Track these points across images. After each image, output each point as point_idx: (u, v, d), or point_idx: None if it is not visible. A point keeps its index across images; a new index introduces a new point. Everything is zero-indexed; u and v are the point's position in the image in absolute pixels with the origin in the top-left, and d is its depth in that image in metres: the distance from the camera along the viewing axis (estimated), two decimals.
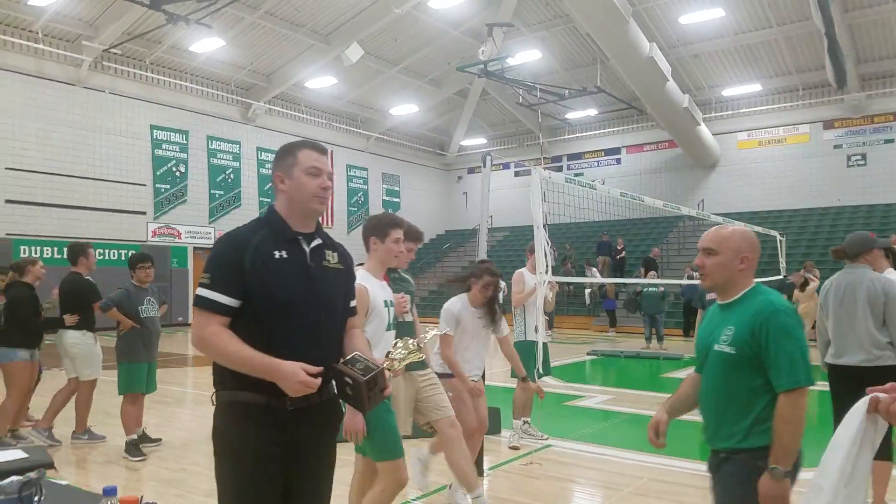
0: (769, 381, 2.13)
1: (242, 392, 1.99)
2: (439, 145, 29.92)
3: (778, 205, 22.11)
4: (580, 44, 21.59)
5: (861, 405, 1.62)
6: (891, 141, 20.91)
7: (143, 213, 19.16)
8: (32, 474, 1.67)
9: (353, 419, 2.85)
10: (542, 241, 5.59)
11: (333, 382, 2.11)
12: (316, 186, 2.10)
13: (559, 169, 26.84)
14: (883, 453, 3.83)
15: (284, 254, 2.06)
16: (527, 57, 20.85)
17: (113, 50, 17.56)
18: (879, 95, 20.94)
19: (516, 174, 26.92)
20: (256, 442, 1.98)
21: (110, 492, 1.68)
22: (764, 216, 20.66)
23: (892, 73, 20.59)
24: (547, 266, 5.55)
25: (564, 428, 6.30)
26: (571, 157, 27.00)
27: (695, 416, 6.26)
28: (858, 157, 21.45)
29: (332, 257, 2.18)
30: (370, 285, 3.28)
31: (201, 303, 2.01)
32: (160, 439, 5.96)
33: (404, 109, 25.19)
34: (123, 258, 18.48)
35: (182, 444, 5.97)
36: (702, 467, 5.39)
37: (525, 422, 5.87)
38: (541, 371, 5.64)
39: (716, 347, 2.23)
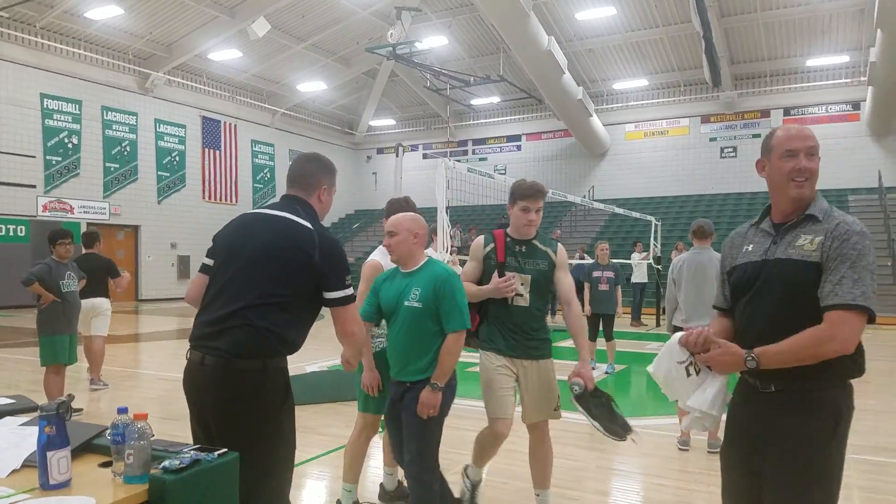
0: (442, 327, 2.95)
1: (285, 359, 2.41)
2: (348, 124, 29.98)
3: (660, 192, 24.08)
4: (485, 33, 22.41)
5: (674, 341, 2.17)
6: (758, 136, 23.19)
7: (33, 187, 18.20)
8: (65, 398, 2.14)
9: (370, 375, 3.43)
10: (443, 223, 6.29)
11: None
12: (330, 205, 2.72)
13: (465, 153, 27.78)
14: None
15: None
16: (434, 42, 21.44)
17: (0, 13, 16.48)
18: (749, 94, 23.20)
19: (424, 156, 27.57)
20: (291, 399, 2.47)
21: (123, 410, 2.06)
22: (646, 202, 22.53)
23: (760, 74, 22.85)
24: (449, 246, 6.27)
25: (466, 389, 7.04)
26: (476, 141, 27.96)
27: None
28: (730, 150, 23.73)
29: None
30: None
31: (355, 299, 2.47)
32: (81, 409, 6.19)
33: (312, 86, 25.09)
34: (12, 234, 17.57)
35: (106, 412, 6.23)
36: (579, 417, 6.35)
37: None
38: None
39: (406, 304, 2.97)
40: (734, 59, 22.33)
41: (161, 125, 21.88)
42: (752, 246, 2.14)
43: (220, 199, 23.99)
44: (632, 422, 6.06)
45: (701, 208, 22.61)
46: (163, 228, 21.49)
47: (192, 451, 2.07)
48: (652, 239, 14.57)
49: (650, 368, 2.24)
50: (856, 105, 21.50)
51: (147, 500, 1.92)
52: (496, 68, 22.26)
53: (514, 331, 3.33)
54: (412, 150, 28.12)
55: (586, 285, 8.39)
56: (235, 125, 24.49)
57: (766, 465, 2.01)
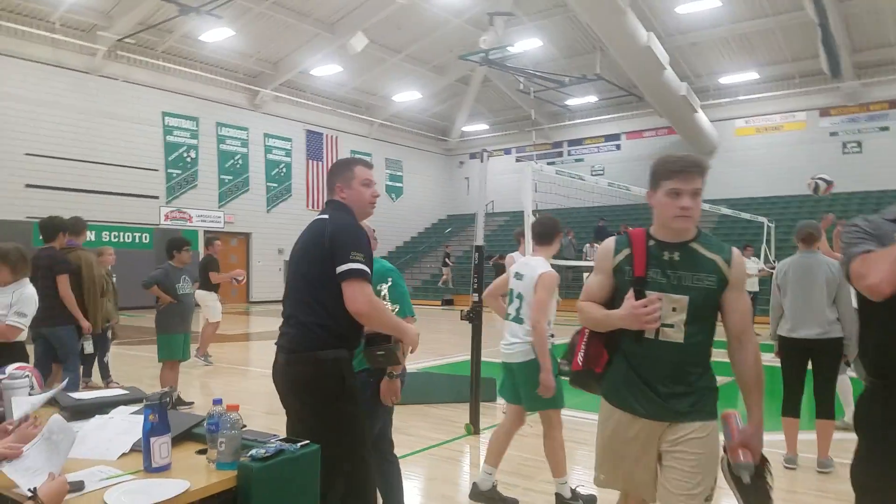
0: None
1: (342, 350, 2.54)
2: (441, 131, 30.40)
3: (775, 191, 22.62)
4: (579, 32, 22.02)
5: None
6: (886, 129, 21.39)
7: (156, 198, 19.77)
8: (167, 388, 2.32)
9: (548, 376, 3.59)
10: (530, 227, 6.20)
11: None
12: (370, 195, 2.74)
13: (559, 154, 27.40)
14: (825, 413, 4.50)
15: None
16: (527, 45, 21.31)
17: (126, 39, 18.08)
18: (875, 84, 21.36)
19: (518, 160, 27.47)
20: (355, 385, 2.59)
21: (218, 401, 2.20)
22: (760, 202, 21.23)
23: (886, 61, 20.98)
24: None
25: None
26: (572, 142, 27.50)
27: None
28: (854, 145, 21.95)
29: None
30: None
31: (366, 276, 2.47)
32: (192, 402, 6.63)
33: (407, 96, 25.67)
34: (138, 241, 19.14)
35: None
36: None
37: None
38: None
39: None
40: (856, 47, 20.65)
41: (269, 139, 23.15)
42: None
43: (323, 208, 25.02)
44: None
45: (820, 209, 20.98)
46: (271, 235, 22.68)
47: (277, 442, 2.18)
48: (764, 242, 13.69)
49: None
50: None
51: (236, 485, 2.04)
52: (592, 67, 21.81)
53: (658, 380, 2.26)
54: (505, 154, 28.08)
55: None
56: (337, 137, 25.46)
57: None
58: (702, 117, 23.02)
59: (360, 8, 19.68)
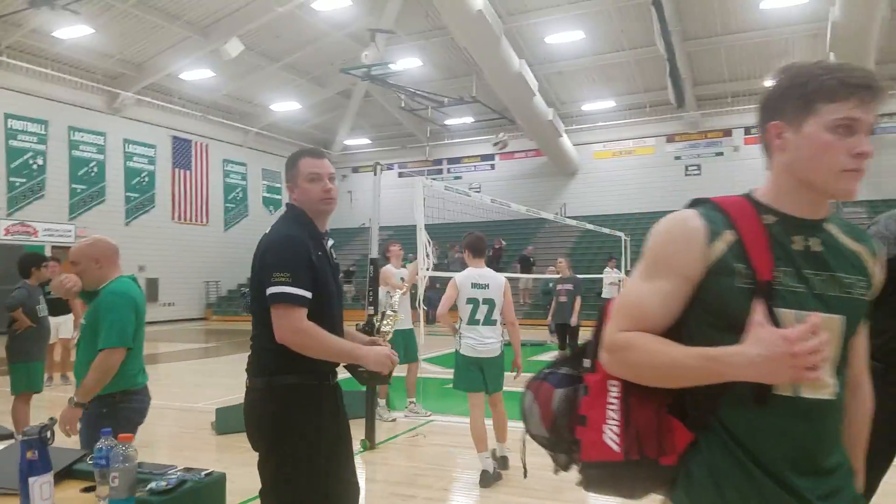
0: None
1: (299, 376, 2.25)
2: (322, 143, 29.96)
3: (628, 209, 24.54)
4: (457, 55, 22.71)
5: None
6: (721, 154, 23.94)
7: None
8: (47, 421, 2.16)
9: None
10: (423, 241, 6.38)
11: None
12: (319, 191, 2.35)
13: (440, 172, 28.06)
14: None
15: (320, 252, 2.36)
16: (408, 64, 21.70)
17: None
18: (712, 114, 23.89)
19: (400, 175, 27.73)
20: (314, 417, 2.25)
21: (106, 432, 2.03)
22: (615, 219, 22.92)
23: (721, 95, 23.53)
24: (427, 264, 6.36)
25: (445, 406, 7.12)
26: (451, 160, 28.25)
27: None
28: (695, 168, 24.35)
29: (334, 255, 2.50)
30: None
31: (291, 300, 2.17)
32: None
33: (285, 106, 25.13)
34: None
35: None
36: None
37: (411, 402, 6.66)
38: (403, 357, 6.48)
39: (82, 321, 3.05)
40: (697, 81, 22.99)
41: (130, 145, 21.67)
42: None
43: (191, 220, 23.76)
44: None
45: None
46: (131, 250, 21.15)
47: (178, 473, 2.11)
48: (623, 254, 14.87)
49: None
50: None
51: None
52: (469, 89, 22.57)
53: (800, 469, 1.29)
54: (389, 169, 28.22)
55: (553, 301, 8.60)
56: (207, 145, 24.35)
57: None
58: (566, 141, 24.55)
59: (237, 13, 19.05)
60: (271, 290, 2.21)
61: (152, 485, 2.00)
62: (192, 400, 7.82)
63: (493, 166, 27.55)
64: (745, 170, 23.23)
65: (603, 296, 14.10)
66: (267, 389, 2.30)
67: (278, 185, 27.97)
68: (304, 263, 2.26)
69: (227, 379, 9.76)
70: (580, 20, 20.37)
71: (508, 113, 23.40)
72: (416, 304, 6.64)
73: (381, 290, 6.68)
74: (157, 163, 22.54)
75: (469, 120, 26.09)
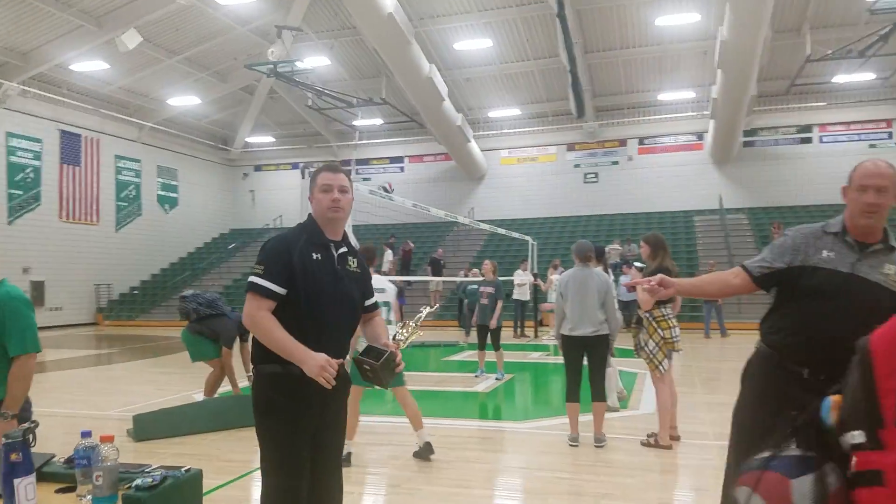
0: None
1: (283, 365, 2.41)
2: (222, 140, 29.04)
3: (533, 214, 25.50)
4: (367, 56, 22.77)
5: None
6: (616, 163, 25.38)
7: None
8: (30, 424, 2.17)
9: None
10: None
11: (353, 365, 2.60)
12: (328, 200, 2.55)
13: (303, 168, 27.87)
14: (598, 396, 5.43)
15: (319, 256, 2.52)
16: (316, 62, 21.48)
17: None
18: (609, 125, 25.27)
19: (304, 175, 27.26)
20: (293, 404, 2.44)
21: (87, 434, 2.10)
22: (521, 223, 23.78)
23: (617, 106, 24.94)
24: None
25: (365, 408, 7.22)
26: (360, 161, 28.14)
27: (469, 388, 7.83)
28: (592, 176, 25.66)
29: (352, 263, 2.64)
30: None
31: (255, 289, 2.41)
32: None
33: (184, 100, 24.11)
34: None
35: None
36: (477, 422, 6.87)
37: None
38: None
39: None
40: (596, 92, 24.23)
41: (13, 139, 20.07)
42: (833, 254, 2.41)
43: (80, 219, 22.31)
44: (525, 424, 6.62)
45: (568, 229, 24.21)
46: (15, 251, 19.61)
47: (160, 470, 2.18)
48: (531, 258, 15.50)
49: None
50: (700, 136, 24.09)
51: None
52: (379, 91, 22.66)
53: None
54: (293, 168, 27.82)
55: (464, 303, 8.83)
56: (98, 140, 22.97)
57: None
58: (474, 146, 25.17)
59: (135, 3, 18.11)
60: (249, 278, 2.47)
61: (137, 482, 2.06)
62: (102, 408, 7.50)
63: (402, 169, 27.75)
64: (638, 179, 24.82)
65: (514, 297, 14.62)
66: (257, 376, 2.52)
67: (174, 183, 26.79)
68: (281, 261, 2.45)
69: (136, 386, 9.40)
70: (488, 28, 21.02)
71: (418, 116, 23.68)
72: None
73: None
74: (44, 158, 21.00)
75: (378, 122, 26.17)
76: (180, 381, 9.20)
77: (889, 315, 2.04)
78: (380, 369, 2.47)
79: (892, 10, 16.31)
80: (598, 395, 5.47)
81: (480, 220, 19.61)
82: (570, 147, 25.83)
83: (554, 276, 14.13)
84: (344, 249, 2.62)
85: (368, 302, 2.75)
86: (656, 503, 4.23)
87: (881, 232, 2.41)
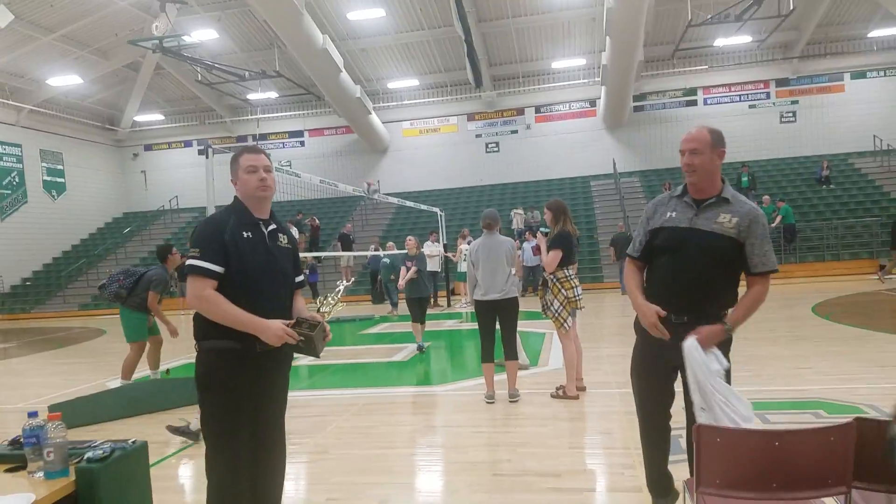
0: None
1: (224, 341, 2.53)
2: (109, 120, 27.30)
3: (438, 185, 25.81)
4: (257, 28, 22.00)
5: (692, 347, 2.60)
6: (515, 132, 26.04)
7: None
8: None
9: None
10: None
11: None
12: (256, 180, 2.65)
13: (206, 147, 27.01)
14: (510, 356, 5.81)
15: (250, 234, 2.63)
16: (203, 36, 20.56)
17: None
18: (506, 94, 25.80)
19: (200, 152, 26.16)
20: (234, 377, 2.55)
21: (34, 414, 2.17)
22: (427, 195, 24.06)
23: (514, 75, 25.44)
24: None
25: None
26: (257, 137, 27.30)
27: (388, 358, 8.08)
28: (494, 145, 26.23)
29: (283, 239, 2.77)
30: None
31: (197, 270, 2.50)
32: None
33: (65, 80, 22.50)
34: None
35: None
36: (397, 389, 7.12)
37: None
38: None
39: None
40: (492, 62, 24.63)
41: None
42: (675, 213, 2.84)
43: None
44: (443, 387, 6.95)
45: (473, 199, 24.75)
46: None
47: (107, 443, 2.29)
48: (440, 229, 15.81)
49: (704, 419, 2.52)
50: (593, 102, 25.10)
51: (75, 490, 2.12)
52: (272, 64, 22.02)
53: None
54: (186, 146, 26.65)
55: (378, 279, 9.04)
56: None
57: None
58: (375, 119, 25.04)
59: None
60: (187, 262, 2.55)
61: (89, 454, 2.18)
62: (13, 401, 7.20)
63: (302, 143, 27.20)
64: (537, 147, 25.62)
65: (427, 269, 14.88)
66: (198, 352, 2.64)
67: (60, 168, 25.05)
68: (216, 241, 2.55)
69: (43, 378, 9.04)
70: None
71: (315, 88, 23.24)
72: None
73: None
74: None
75: (273, 95, 25.43)
76: (90, 370, 8.94)
77: (730, 258, 2.64)
78: (315, 339, 2.61)
79: None
80: (511, 354, 5.85)
81: (387, 194, 19.74)
82: (471, 117, 26.20)
83: (463, 246, 14.57)
84: (273, 226, 2.73)
85: (299, 278, 2.89)
86: (567, 447, 4.62)
87: (716, 188, 2.80)
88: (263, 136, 27.40)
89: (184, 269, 2.59)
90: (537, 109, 25.72)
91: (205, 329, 2.57)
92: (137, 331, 6.80)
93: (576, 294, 5.82)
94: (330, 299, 2.97)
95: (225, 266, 2.54)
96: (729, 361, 2.72)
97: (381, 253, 14.87)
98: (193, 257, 2.53)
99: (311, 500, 3.91)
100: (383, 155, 26.65)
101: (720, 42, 22.26)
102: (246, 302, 2.53)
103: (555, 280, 5.81)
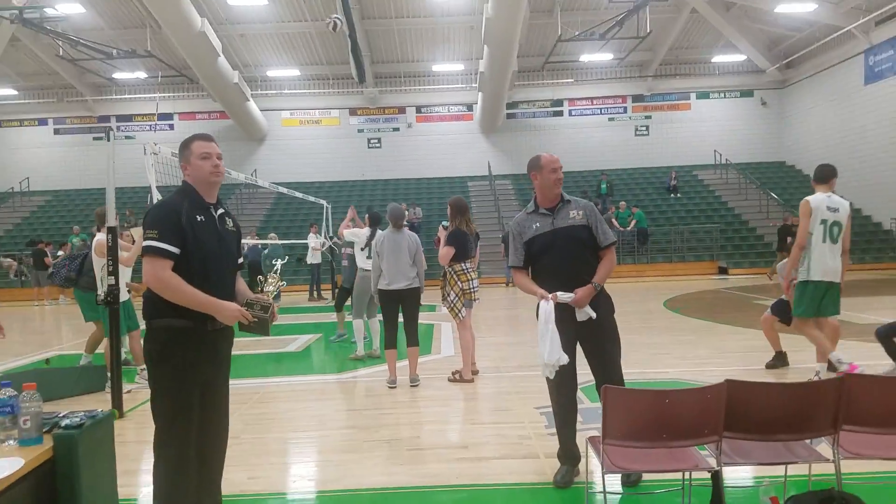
0: None
1: (177, 319, 2.64)
2: None
3: (320, 177, 25.59)
4: (128, 5, 20.66)
5: (545, 306, 3.43)
6: (398, 129, 26.45)
7: None
8: None
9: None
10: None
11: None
12: (209, 166, 2.79)
13: (108, 130, 25.20)
14: (412, 342, 6.17)
15: (203, 218, 2.74)
16: (69, 9, 19.02)
17: None
18: (389, 92, 26.13)
19: (56, 132, 24.03)
20: (187, 354, 2.66)
21: (7, 385, 2.21)
22: (307, 186, 23.80)
23: (396, 74, 25.86)
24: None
25: None
26: (121, 118, 25.60)
27: (281, 349, 8.21)
28: (376, 141, 26.46)
29: (230, 223, 2.92)
30: None
31: (156, 252, 2.59)
32: None
33: None
34: None
35: None
36: (298, 378, 7.31)
37: (142, 369, 6.67)
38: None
39: None
40: (375, 59, 24.84)
41: None
42: (538, 224, 3.66)
43: None
44: (343, 375, 7.21)
45: (356, 193, 24.83)
46: None
47: (79, 413, 2.39)
48: (325, 221, 15.80)
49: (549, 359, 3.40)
50: (470, 107, 26.09)
51: (52, 455, 2.22)
52: (143, 43, 20.79)
53: None
54: (41, 125, 24.35)
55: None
56: None
57: (590, 337, 3.58)
58: (253, 106, 24.38)
59: None
60: (143, 244, 2.62)
61: (66, 422, 2.28)
62: None
63: (172, 126, 25.84)
64: (418, 145, 26.17)
65: (308, 261, 14.86)
66: (149, 330, 2.72)
67: None
68: (171, 223, 2.65)
69: None
70: None
71: (188, 71, 22.23)
72: None
73: (97, 261, 6.48)
74: None
75: (142, 75, 23.96)
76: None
77: (587, 239, 3.62)
78: (268, 320, 2.82)
79: (628, 0, 18.99)
80: (412, 341, 6.22)
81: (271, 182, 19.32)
82: (353, 112, 26.26)
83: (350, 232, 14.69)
84: (222, 210, 2.88)
85: (240, 260, 3.06)
86: (470, 423, 5.08)
87: (559, 197, 3.70)
88: (128, 118, 25.70)
89: (142, 250, 2.65)
90: (418, 109, 26.28)
91: (159, 307, 2.66)
92: (94, 308, 6.87)
93: (471, 286, 6.28)
94: (270, 279, 3.17)
95: (180, 247, 2.64)
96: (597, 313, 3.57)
97: (260, 243, 14.64)
98: (151, 238, 2.61)
99: (231, 479, 4.02)
100: (260, 143, 25.99)
101: (585, 58, 24.05)
102: (198, 282, 2.65)
103: (452, 273, 6.26)
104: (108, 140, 5.64)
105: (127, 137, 24.54)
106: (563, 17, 21.69)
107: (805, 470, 3.14)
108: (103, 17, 21.16)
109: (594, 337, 3.59)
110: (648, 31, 20.08)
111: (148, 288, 2.68)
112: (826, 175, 5.58)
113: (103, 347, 7.05)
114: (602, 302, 3.61)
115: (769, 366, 6.33)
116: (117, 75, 23.50)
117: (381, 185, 25.45)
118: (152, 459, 2.65)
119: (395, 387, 6.12)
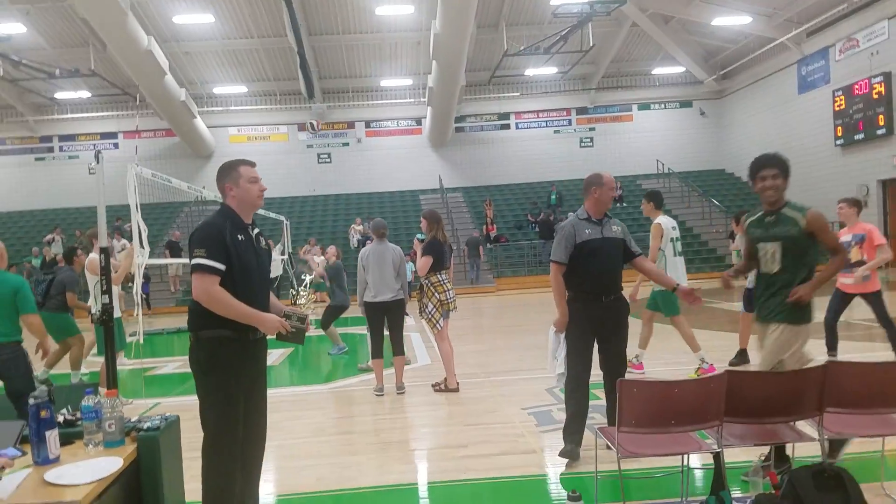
0: None
1: (223, 330, 2.84)
2: None
3: (269, 193, 24.98)
4: (71, 24, 20.21)
5: (551, 331, 4.24)
6: (347, 144, 26.56)
7: None
8: (50, 387, 2.38)
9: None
10: (137, 228, 6.47)
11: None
12: (257, 190, 3.06)
13: (50, 150, 24.58)
14: (398, 352, 6.41)
15: (243, 237, 2.96)
16: (9, 29, 18.55)
17: None
18: (337, 107, 26.23)
19: None
20: (233, 362, 2.87)
21: (90, 392, 2.35)
22: (268, 203, 23.56)
23: (345, 89, 25.98)
24: (144, 252, 6.52)
25: (158, 391, 7.15)
26: (64, 138, 24.85)
27: None
28: (325, 156, 26.49)
29: (263, 242, 3.14)
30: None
31: (204, 269, 2.79)
32: None
33: None
34: None
35: None
36: (286, 390, 7.49)
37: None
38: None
39: None
40: (323, 75, 24.91)
41: None
42: (589, 230, 4.20)
43: None
44: (328, 385, 7.38)
45: (307, 208, 24.78)
46: None
47: (156, 416, 2.60)
48: (285, 236, 15.76)
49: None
50: (419, 121, 26.43)
51: (137, 455, 2.43)
52: (86, 62, 20.32)
53: None
54: None
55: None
56: None
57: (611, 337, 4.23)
58: (200, 123, 24.08)
59: None
60: (192, 261, 2.84)
61: (147, 424, 2.48)
62: None
63: (116, 145, 25.21)
64: (368, 160, 26.34)
65: (272, 275, 14.80)
66: (195, 340, 2.92)
67: None
68: (217, 242, 2.87)
69: None
70: (210, 4, 20.19)
71: (132, 89, 21.82)
72: (136, 292, 6.64)
73: (91, 279, 6.52)
74: None
75: (86, 94, 23.36)
76: None
77: (625, 250, 4.30)
78: (304, 329, 3.07)
79: (571, 15, 19.51)
80: (399, 350, 6.46)
81: (214, 202, 19.10)
82: (301, 127, 26.19)
83: (318, 258, 14.72)
84: (257, 231, 3.12)
85: (273, 276, 3.33)
86: (464, 425, 5.31)
87: (604, 212, 4.31)
88: (71, 137, 24.94)
89: (191, 267, 2.85)
90: (367, 124, 26.47)
91: (205, 319, 2.86)
92: (65, 328, 7.07)
93: (448, 297, 6.43)
94: (302, 292, 3.42)
95: (226, 265, 2.85)
96: None
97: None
98: (199, 256, 2.81)
99: None
100: (208, 160, 25.61)
101: (531, 72, 24.72)
102: (242, 297, 2.87)
103: (429, 284, 6.41)
104: (98, 163, 5.68)
105: (70, 157, 23.81)
106: (508, 31, 22.21)
107: (790, 451, 3.58)
108: (45, 37, 20.60)
109: (615, 337, 4.26)
110: (591, 44, 20.91)
111: (193, 300, 2.88)
112: (662, 201, 6.99)
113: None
114: (624, 303, 4.29)
115: (732, 363, 6.82)
116: (59, 95, 22.85)
117: (333, 200, 25.49)
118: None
119: (382, 395, 6.33)
